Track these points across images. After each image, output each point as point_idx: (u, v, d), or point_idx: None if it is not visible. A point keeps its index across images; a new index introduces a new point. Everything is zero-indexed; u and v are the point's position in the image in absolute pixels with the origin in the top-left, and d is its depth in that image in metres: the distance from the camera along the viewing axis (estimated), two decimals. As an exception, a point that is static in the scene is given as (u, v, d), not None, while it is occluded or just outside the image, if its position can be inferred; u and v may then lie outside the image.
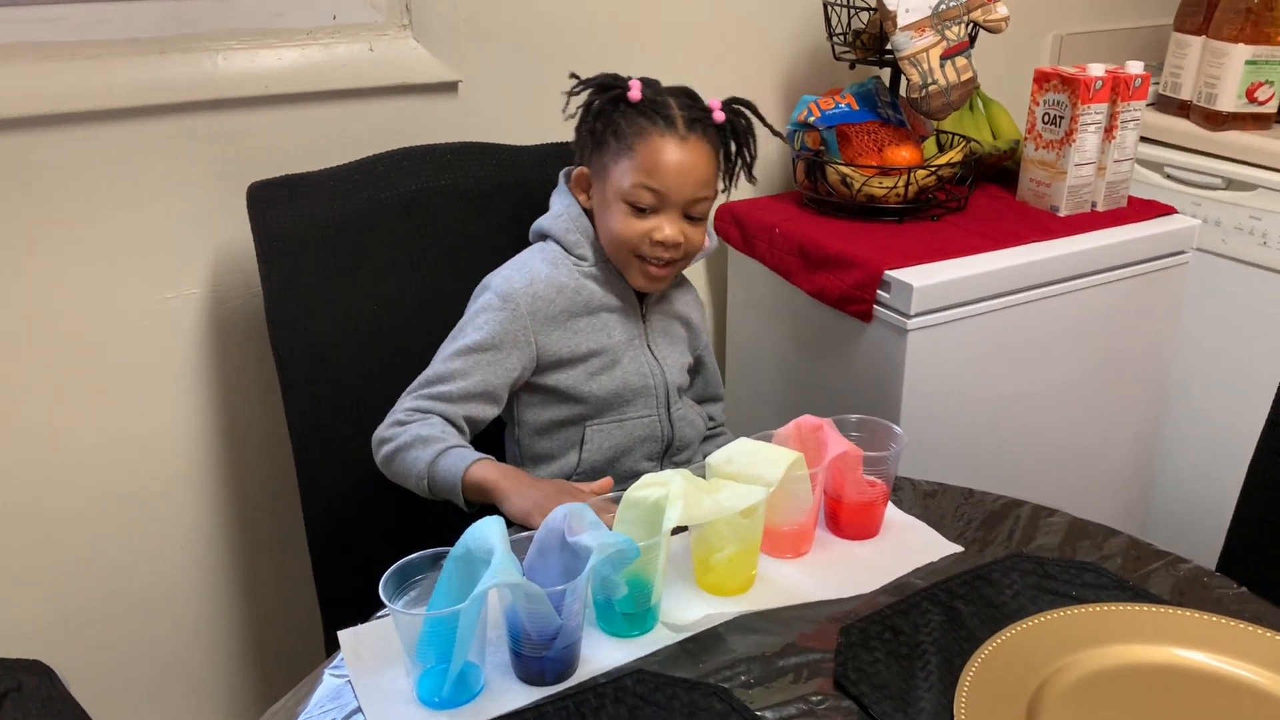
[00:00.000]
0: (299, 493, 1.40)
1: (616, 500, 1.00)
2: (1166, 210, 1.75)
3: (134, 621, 1.58)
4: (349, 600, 1.34)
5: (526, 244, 1.37)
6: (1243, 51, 1.86)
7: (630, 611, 0.97)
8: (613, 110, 1.26)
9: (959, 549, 1.10)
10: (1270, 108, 1.90)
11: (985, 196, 1.81)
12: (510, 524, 1.14)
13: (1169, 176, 1.97)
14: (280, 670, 1.74)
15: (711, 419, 1.50)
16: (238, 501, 1.62)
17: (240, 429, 1.59)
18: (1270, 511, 1.29)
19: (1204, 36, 1.94)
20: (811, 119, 1.68)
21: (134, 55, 1.37)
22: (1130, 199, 1.78)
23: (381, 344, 1.42)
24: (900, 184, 1.64)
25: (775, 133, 1.32)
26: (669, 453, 1.38)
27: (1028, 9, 2.09)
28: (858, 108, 1.68)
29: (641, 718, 0.87)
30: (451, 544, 0.91)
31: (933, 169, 1.66)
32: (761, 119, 1.33)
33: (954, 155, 1.68)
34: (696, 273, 1.91)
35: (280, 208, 1.36)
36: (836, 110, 1.68)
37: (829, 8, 1.75)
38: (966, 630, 0.97)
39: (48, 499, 1.47)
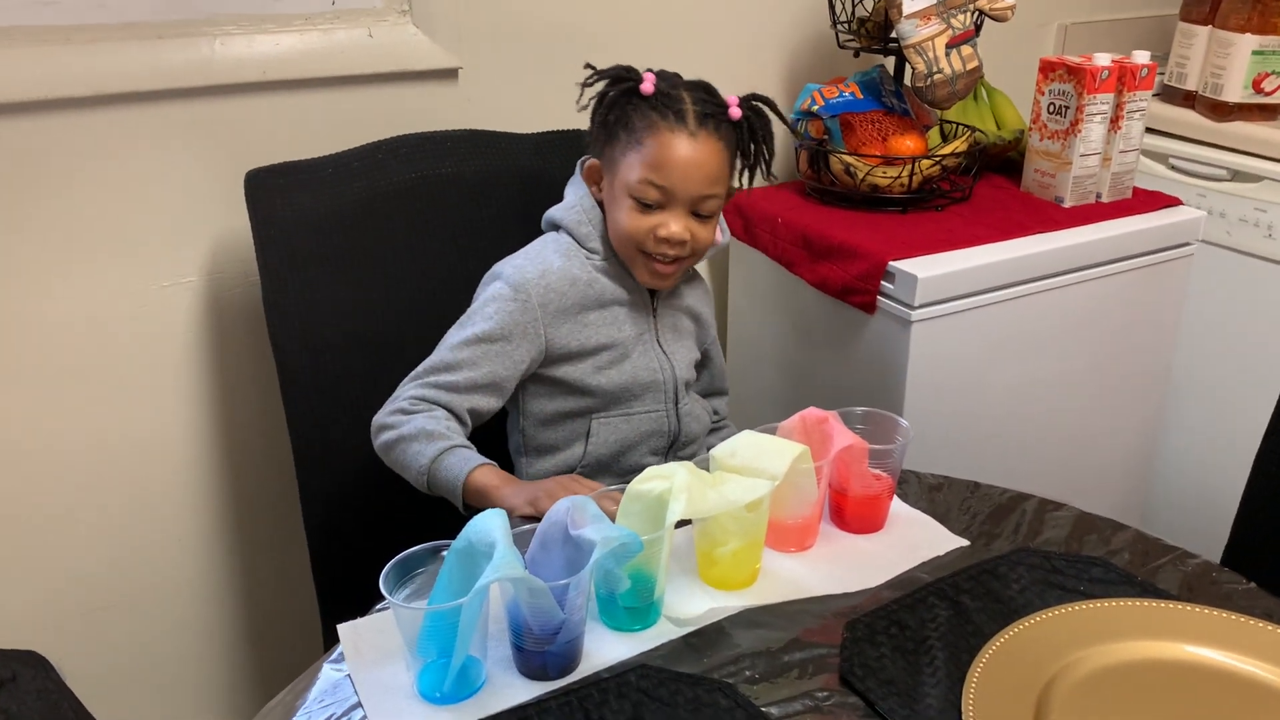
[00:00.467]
0: (297, 485, 1.39)
1: (622, 489, 0.98)
2: (1171, 202, 1.74)
3: (131, 612, 1.57)
4: (347, 593, 1.32)
5: (526, 232, 1.35)
6: (1249, 42, 1.85)
7: (633, 605, 0.96)
8: (625, 103, 1.24)
9: (965, 543, 1.09)
10: (1277, 99, 1.89)
11: (989, 187, 1.80)
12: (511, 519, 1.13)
13: (1174, 168, 1.95)
14: (278, 663, 1.73)
15: (716, 413, 1.49)
16: (235, 493, 1.60)
17: (239, 420, 1.57)
18: (1277, 505, 1.27)
19: (1210, 26, 1.93)
20: (815, 108, 1.66)
21: (130, 40, 1.35)
22: (1135, 190, 1.77)
23: (380, 334, 1.41)
24: (904, 174, 1.63)
25: (793, 130, 1.30)
26: (674, 447, 1.36)
27: (1033, -2, 2.07)
28: (862, 96, 1.67)
29: (645, 713, 0.86)
30: (452, 537, 0.90)
31: (937, 159, 1.64)
32: (781, 116, 1.30)
33: (958, 145, 1.67)
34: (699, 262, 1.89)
35: (278, 195, 1.34)
36: (840, 99, 1.66)
37: (833, -5, 1.73)
38: (973, 625, 0.96)
39: (43, 489, 1.45)
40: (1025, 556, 1.05)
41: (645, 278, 1.28)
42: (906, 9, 1.57)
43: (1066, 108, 1.66)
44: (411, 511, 1.31)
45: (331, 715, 0.88)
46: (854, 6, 1.74)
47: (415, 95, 1.55)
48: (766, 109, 1.29)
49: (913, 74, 1.62)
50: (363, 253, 1.39)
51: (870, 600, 1.00)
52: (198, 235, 1.47)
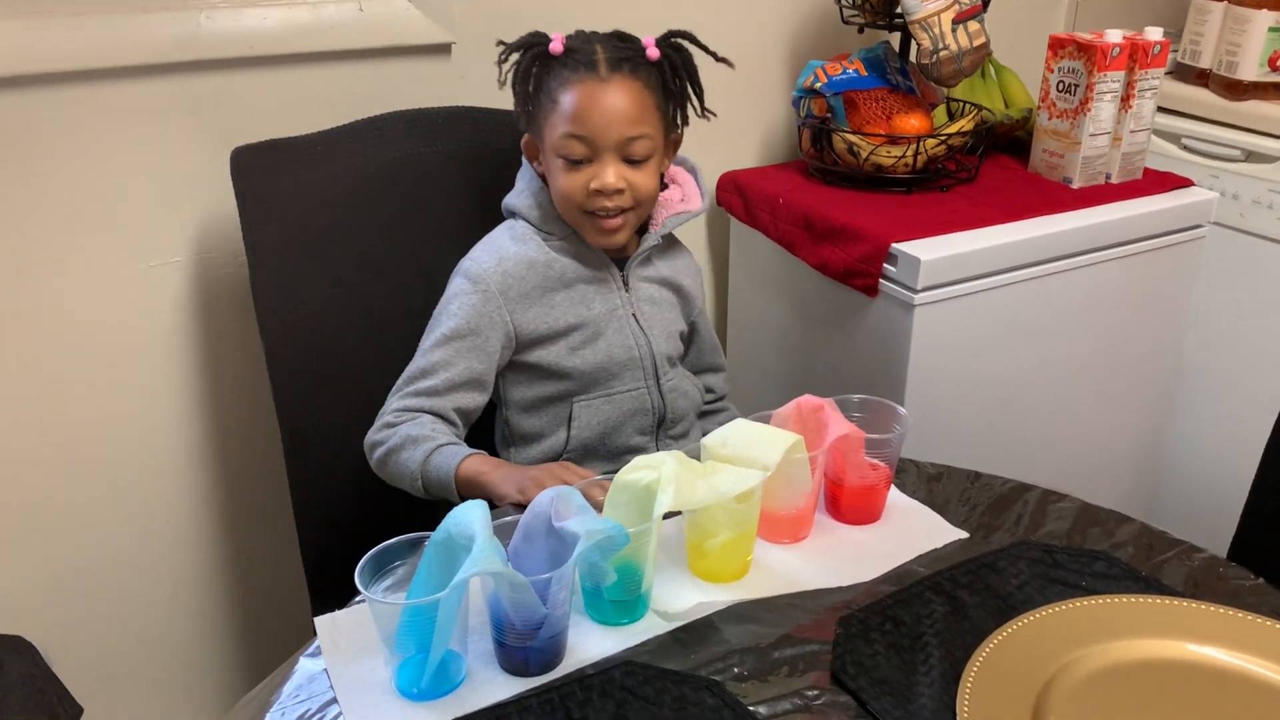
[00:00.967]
0: (285, 468, 1.37)
1: (611, 478, 0.95)
2: (1183, 183, 1.70)
3: (119, 595, 1.55)
4: (336, 573, 1.32)
5: (520, 211, 1.32)
6: (1266, 18, 1.80)
7: (620, 599, 0.93)
8: (539, 67, 1.22)
9: (964, 535, 1.06)
10: (1293, 77, 1.84)
11: (996, 167, 1.76)
12: (497, 508, 1.11)
13: (1186, 148, 1.91)
14: (268, 644, 1.71)
15: (711, 390, 1.46)
16: (225, 477, 1.58)
17: (228, 400, 1.55)
18: (1287, 497, 1.24)
19: (1225, 3, 1.88)
20: (818, 85, 1.63)
21: (114, 14, 1.32)
22: (1146, 171, 1.73)
23: (369, 314, 1.38)
24: (909, 153, 1.59)
25: (719, 59, 1.26)
26: (663, 426, 1.34)
27: (1043, -27, 2.03)
28: (866, 74, 1.63)
29: (629, 712, 0.83)
30: (440, 520, 0.87)
31: (942, 138, 1.60)
32: (703, 47, 1.26)
33: (964, 124, 1.63)
34: (697, 242, 1.86)
35: (264, 173, 1.31)
36: (844, 76, 1.63)
37: (837, -31, 1.69)
38: (970, 622, 0.93)
39: (29, 471, 1.43)
40: (1026, 550, 1.02)
41: (594, 238, 1.25)
42: (912, -17, 1.53)
43: (1076, 86, 1.62)
44: (402, 495, 1.29)
45: (306, 711, 0.85)
46: (859, -19, 1.70)
47: (407, 71, 1.51)
48: (688, 44, 1.25)
49: (918, 50, 1.58)
50: (352, 232, 1.36)
51: (864, 595, 0.97)
52: (186, 214, 1.44)
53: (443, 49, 1.52)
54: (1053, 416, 1.65)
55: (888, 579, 1.00)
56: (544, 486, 1.08)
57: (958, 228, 1.51)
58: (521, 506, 1.05)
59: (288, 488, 1.38)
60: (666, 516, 0.92)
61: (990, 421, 1.58)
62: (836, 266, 1.54)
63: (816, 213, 1.58)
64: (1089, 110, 1.61)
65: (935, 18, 1.54)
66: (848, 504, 1.07)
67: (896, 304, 1.47)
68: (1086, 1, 2.12)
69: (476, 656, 0.90)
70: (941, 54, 1.56)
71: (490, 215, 1.33)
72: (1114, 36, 1.60)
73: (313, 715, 0.84)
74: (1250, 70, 1.84)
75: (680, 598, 0.96)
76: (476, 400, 1.25)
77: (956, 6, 1.55)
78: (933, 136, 1.60)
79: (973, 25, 1.57)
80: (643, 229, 1.31)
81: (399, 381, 1.25)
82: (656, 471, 0.93)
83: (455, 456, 1.15)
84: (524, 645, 0.87)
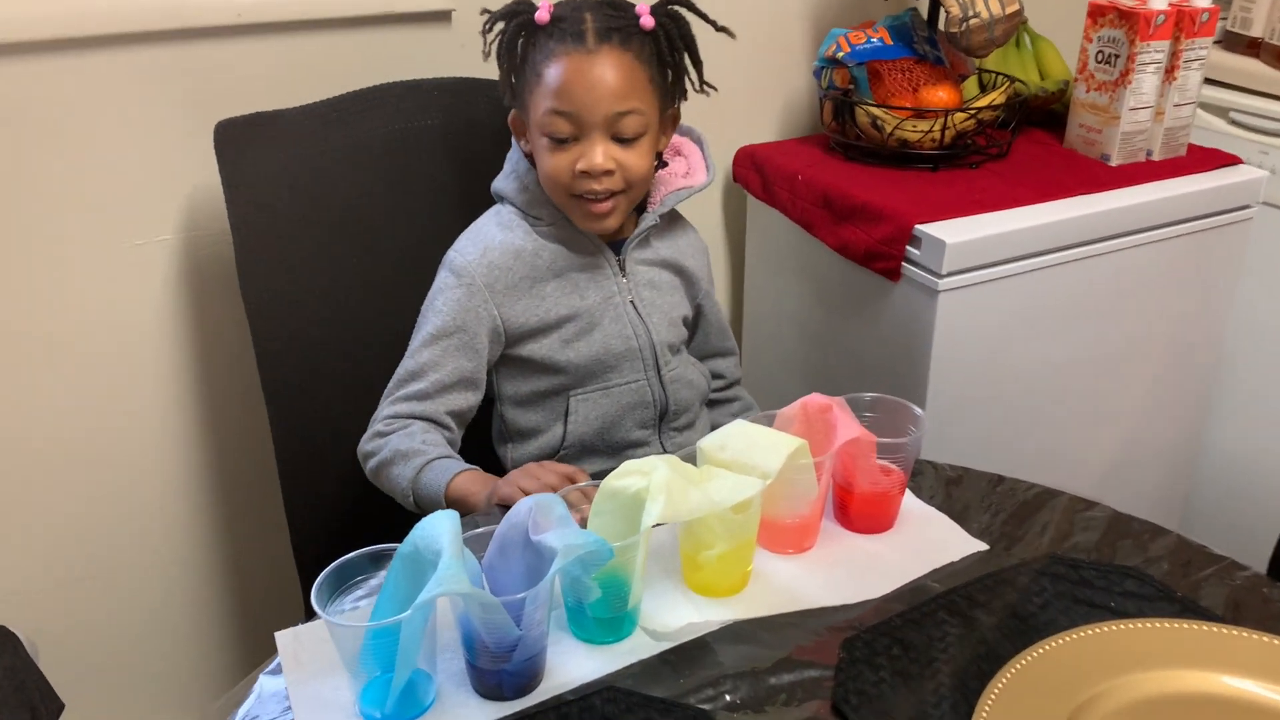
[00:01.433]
0: (275, 454, 1.32)
1: (597, 484, 0.88)
2: (1230, 160, 1.61)
3: (108, 583, 1.51)
4: (324, 557, 1.27)
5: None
6: (1323, -17, 1.69)
7: (604, 616, 0.86)
8: (524, 38, 1.13)
9: (983, 547, 0.98)
10: (1351, 47, 1.73)
11: (1029, 143, 1.67)
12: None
13: (1234, 122, 1.80)
14: (258, 630, 1.66)
15: (720, 376, 1.38)
16: (214, 462, 1.53)
17: (217, 383, 1.49)
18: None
19: (1280, -33, 1.77)
20: (840, 55, 1.54)
21: (93, -22, 1.26)
22: (1190, 147, 1.64)
23: (359, 295, 1.33)
24: (936, 128, 1.50)
25: (719, 28, 1.17)
26: (665, 419, 1.26)
27: (1084, -65, 1.91)
28: (891, 43, 1.55)
29: (609, 743, 0.76)
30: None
31: (972, 112, 1.51)
32: (702, 15, 1.17)
33: (996, 97, 1.54)
34: (712, 221, 1.78)
35: (249, 148, 1.25)
36: (868, 45, 1.54)
37: (863, -69, 1.60)
38: (987, 646, 0.85)
39: (13, 456, 1.39)
40: (1050, 565, 0.94)
41: (583, 222, 1.17)
42: (941, -54, 1.43)
43: (1117, 56, 1.52)
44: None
45: (262, 735, 0.79)
46: (885, -56, 1.60)
47: (404, 40, 1.44)
48: (685, 11, 1.16)
49: (947, 18, 1.50)
50: (341, 209, 1.30)
51: (872, 613, 0.90)
52: (172, 190, 1.38)
53: (442, 16, 1.45)
54: (1083, 412, 1.57)
55: (898, 595, 0.92)
56: (514, 485, 1.03)
57: (986, 208, 1.42)
58: (506, 507, 0.99)
59: (277, 474, 1.33)
60: (658, 525, 0.85)
61: (1016, 416, 1.50)
62: (857, 248, 1.46)
63: (837, 191, 1.50)
64: (1130, 82, 1.51)
65: (966, -17, 1.45)
66: (857, 511, 1.00)
67: (920, 289, 1.39)
68: (1130, -34, 2.01)
69: (448, 677, 0.83)
70: (972, 22, 1.47)
71: (487, 192, 1.26)
72: (1158, 3, 1.50)
73: (268, 739, 0.79)
74: (1305, 39, 1.73)
75: (672, 614, 0.89)
76: (469, 400, 1.19)
77: (989, -29, 1.45)
78: (962, 110, 1.51)
79: (1006, -9, 1.47)
80: (641, 207, 1.24)
81: (390, 384, 1.19)
82: (646, 478, 0.86)
83: (445, 474, 1.10)
84: (498, 668, 0.80)
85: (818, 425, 0.98)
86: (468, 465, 1.12)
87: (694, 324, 1.34)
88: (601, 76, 1.09)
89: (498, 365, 1.21)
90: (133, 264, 1.38)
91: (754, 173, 1.67)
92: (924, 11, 1.61)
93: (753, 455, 0.90)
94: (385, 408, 1.18)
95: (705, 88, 1.19)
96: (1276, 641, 0.83)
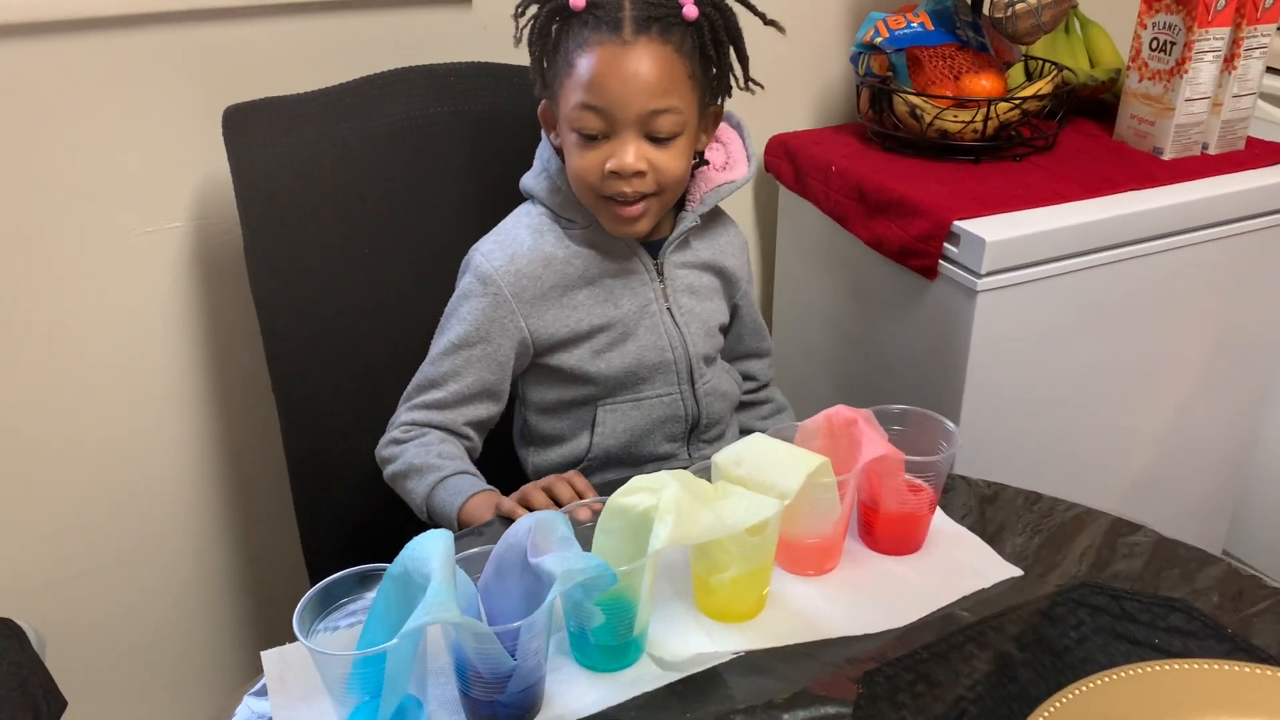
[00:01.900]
0: (284, 451, 1.28)
1: (604, 501, 0.83)
2: (1292, 155, 1.53)
3: (117, 577, 1.48)
4: (334, 552, 1.27)
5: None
6: (1397, -33, 1.59)
7: (607, 644, 0.81)
8: (557, 24, 1.06)
9: (1017, 572, 0.92)
10: None
11: (1077, 135, 1.60)
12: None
13: (1297, 114, 1.72)
14: (266, 627, 1.64)
15: (753, 378, 1.33)
16: (223, 449, 1.50)
17: (226, 373, 1.46)
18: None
19: (1350, -51, 1.67)
20: (879, 40, 1.48)
21: (100, -43, 1.22)
22: (1249, 140, 1.56)
23: (372, 287, 1.28)
24: (978, 118, 1.44)
25: (768, 22, 1.10)
26: (695, 432, 1.21)
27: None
28: (933, 28, 1.48)
29: (608, 783, 0.71)
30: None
31: (1017, 101, 1.45)
32: (751, 7, 1.11)
33: (1043, 86, 1.47)
34: (743, 211, 1.71)
35: (259, 134, 1.21)
36: (908, 30, 1.48)
37: (905, -90, 1.52)
38: (1018, 685, 0.80)
39: (20, 447, 1.36)
40: (1089, 595, 0.88)
41: (611, 226, 1.10)
42: (987, -74, 1.36)
43: (1173, 44, 1.44)
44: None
45: (243, 762, 0.75)
46: (929, -77, 1.53)
47: (423, 22, 1.39)
48: (732, 1, 1.09)
49: (992, 3, 1.43)
50: (354, 198, 1.26)
51: (895, 643, 0.84)
52: (182, 177, 1.35)
53: (463, -3, 1.40)
54: (1127, 420, 1.50)
55: (924, 624, 0.86)
56: (516, 501, 0.98)
57: (1030, 204, 1.36)
58: (509, 521, 0.94)
59: (286, 471, 1.30)
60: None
61: (1056, 423, 1.44)
62: (892, 244, 1.39)
63: (872, 183, 1.43)
64: (1186, 71, 1.44)
65: (1013, -35, 1.38)
66: (883, 532, 0.94)
67: (957, 289, 1.32)
68: (1189, -53, 1.92)
69: (441, 704, 0.79)
70: (1018, 6, 1.41)
71: (511, 187, 1.20)
72: (1219, -13, 1.42)
73: (247, 770, 0.74)
74: (1375, 27, 1.64)
75: (681, 640, 0.84)
76: (490, 410, 1.15)
77: (1038, -47, 1.38)
78: (1006, 100, 1.44)
79: (1056, -26, 1.40)
80: (679, 204, 1.17)
81: (409, 388, 1.15)
82: (655, 495, 0.80)
83: (458, 496, 1.06)
84: (491, 698, 0.76)
85: (842, 439, 0.92)
86: (483, 485, 1.08)
87: (729, 324, 1.28)
88: (637, 70, 1.02)
89: (524, 371, 1.17)
90: (142, 251, 1.35)
91: (786, 162, 1.60)
92: (968, -5, 1.54)
93: (771, 472, 0.85)
94: (403, 413, 1.14)
95: (750, 85, 1.12)
96: (1336, 688, 0.77)
